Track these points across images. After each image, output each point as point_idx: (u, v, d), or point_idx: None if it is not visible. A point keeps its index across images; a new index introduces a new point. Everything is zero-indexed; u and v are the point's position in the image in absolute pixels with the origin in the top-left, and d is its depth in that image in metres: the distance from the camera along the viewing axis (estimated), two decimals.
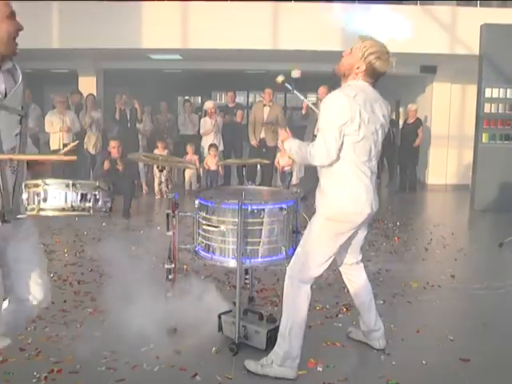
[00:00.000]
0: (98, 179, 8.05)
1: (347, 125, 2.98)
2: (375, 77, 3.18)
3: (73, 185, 4.72)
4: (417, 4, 10.13)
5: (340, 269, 3.58)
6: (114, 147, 8.17)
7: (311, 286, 3.27)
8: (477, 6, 10.26)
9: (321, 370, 3.34)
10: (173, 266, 3.72)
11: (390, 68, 3.17)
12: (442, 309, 4.55)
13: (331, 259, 3.25)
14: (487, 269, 5.73)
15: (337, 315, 4.20)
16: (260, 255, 3.46)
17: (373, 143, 3.13)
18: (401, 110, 14.84)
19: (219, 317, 3.72)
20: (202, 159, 10.58)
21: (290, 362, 3.21)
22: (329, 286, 4.82)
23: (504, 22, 8.88)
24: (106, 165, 8.01)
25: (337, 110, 3.01)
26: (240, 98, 18.32)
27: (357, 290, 3.57)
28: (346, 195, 3.10)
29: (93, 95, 10.93)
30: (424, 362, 3.47)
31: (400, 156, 11.79)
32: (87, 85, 11.77)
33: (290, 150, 3.28)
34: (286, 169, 9.74)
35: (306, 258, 3.20)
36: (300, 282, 3.20)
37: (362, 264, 3.57)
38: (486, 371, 3.41)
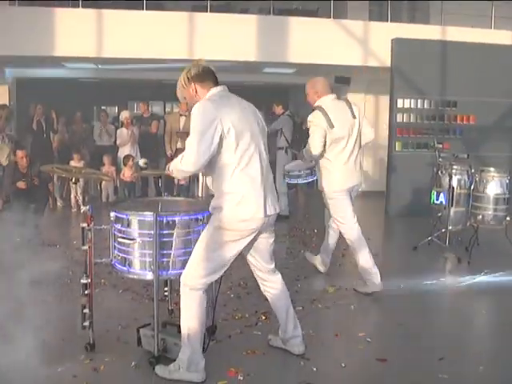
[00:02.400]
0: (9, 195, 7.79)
1: (216, 129, 3.06)
2: (208, 78, 3.32)
3: None
4: (330, 18, 10.41)
5: (256, 277, 3.60)
6: (21, 157, 7.84)
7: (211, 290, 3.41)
8: (388, 21, 10.67)
9: (241, 378, 3.34)
10: (89, 280, 3.62)
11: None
12: (359, 312, 4.67)
13: (224, 267, 3.28)
14: (402, 271, 5.92)
15: (256, 323, 4.22)
16: (177, 267, 3.42)
17: (253, 142, 3.20)
18: None
19: (138, 330, 3.65)
20: (119, 170, 10.37)
21: (194, 366, 3.26)
22: (247, 294, 4.85)
23: (413, 37, 9.31)
24: (22, 184, 7.67)
25: (201, 118, 3.09)
26: (157, 108, 18.16)
27: (273, 298, 3.59)
28: (235, 202, 3.14)
29: (7, 107, 10.39)
30: (343, 364, 3.55)
31: None
32: None
33: (169, 170, 3.34)
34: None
35: (197, 265, 3.23)
36: (191, 289, 3.23)
37: (277, 272, 3.58)
38: (402, 370, 3.53)
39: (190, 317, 3.24)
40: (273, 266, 3.54)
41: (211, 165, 3.16)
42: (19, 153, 7.89)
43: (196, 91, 3.31)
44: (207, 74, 3.32)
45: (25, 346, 3.61)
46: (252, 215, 3.15)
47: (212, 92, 3.28)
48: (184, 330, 3.26)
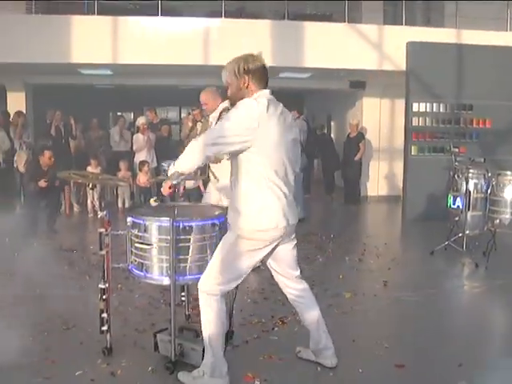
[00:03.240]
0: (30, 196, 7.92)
1: (246, 136, 3.00)
2: (265, 78, 3.24)
3: None
4: (345, 22, 10.40)
5: (284, 289, 3.52)
6: (49, 158, 7.93)
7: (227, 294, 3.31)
8: (402, 22, 10.64)
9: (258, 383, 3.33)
10: (107, 285, 3.63)
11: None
12: (376, 317, 4.64)
13: (241, 277, 3.26)
14: (419, 276, 5.89)
15: (273, 328, 4.21)
16: (193, 272, 3.42)
17: (285, 154, 3.15)
18: (332, 123, 15.14)
19: (154, 335, 3.66)
20: (135, 176, 10.41)
21: (218, 371, 3.22)
22: (264, 299, 4.85)
23: (428, 40, 9.28)
24: (43, 183, 7.75)
25: (245, 114, 3.04)
26: (173, 114, 18.33)
27: (302, 308, 3.53)
28: (257, 211, 3.10)
29: (23, 114, 10.49)
30: (360, 370, 3.52)
31: (343, 169, 11.86)
32: (16, 100, 11.47)
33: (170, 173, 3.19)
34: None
35: (215, 273, 3.21)
36: (208, 294, 3.21)
37: (303, 281, 3.51)
38: (420, 376, 3.50)
39: (209, 322, 3.22)
40: (298, 272, 3.48)
41: (239, 172, 3.11)
42: (47, 153, 7.99)
43: (247, 86, 3.17)
44: (265, 74, 3.24)
45: (42, 350, 3.64)
46: (275, 225, 3.13)
47: (265, 93, 3.18)
48: (205, 335, 3.24)
